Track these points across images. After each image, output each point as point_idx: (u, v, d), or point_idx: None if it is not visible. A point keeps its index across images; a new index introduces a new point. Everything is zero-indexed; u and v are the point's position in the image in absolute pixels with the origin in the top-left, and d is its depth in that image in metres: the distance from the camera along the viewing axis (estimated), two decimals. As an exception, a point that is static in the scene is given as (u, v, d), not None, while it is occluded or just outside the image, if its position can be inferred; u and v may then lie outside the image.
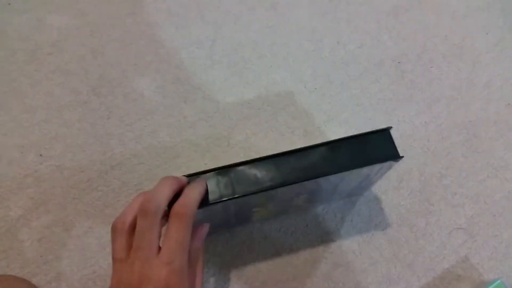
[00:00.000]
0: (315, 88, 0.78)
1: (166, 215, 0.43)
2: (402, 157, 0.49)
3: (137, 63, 0.77)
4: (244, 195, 0.46)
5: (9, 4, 0.81)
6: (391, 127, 0.51)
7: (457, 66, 0.81)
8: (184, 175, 0.46)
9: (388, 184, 0.71)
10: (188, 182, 0.46)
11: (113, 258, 0.42)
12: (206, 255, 0.64)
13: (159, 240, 0.41)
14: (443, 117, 0.76)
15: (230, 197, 0.46)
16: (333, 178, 0.49)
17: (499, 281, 0.63)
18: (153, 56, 0.78)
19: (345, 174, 0.49)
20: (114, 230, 0.43)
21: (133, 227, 0.42)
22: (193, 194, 0.43)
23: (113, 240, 0.43)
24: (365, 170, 0.50)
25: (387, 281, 0.65)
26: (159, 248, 0.41)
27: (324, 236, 0.67)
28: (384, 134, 0.50)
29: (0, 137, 0.70)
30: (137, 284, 0.39)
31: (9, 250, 0.63)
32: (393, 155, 0.49)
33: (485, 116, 0.77)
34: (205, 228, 0.47)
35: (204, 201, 0.45)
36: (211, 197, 0.46)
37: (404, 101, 0.77)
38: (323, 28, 0.83)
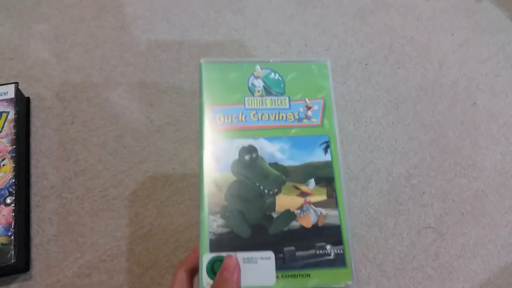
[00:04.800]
0: (284, 91, 0.77)
1: None
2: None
3: (102, 67, 0.76)
4: None
5: (-31, 8, 0.79)
6: None
7: (424, 67, 0.82)
8: None
9: (356, 184, 0.70)
10: None
11: None
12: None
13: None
14: (410, 117, 0.77)
15: None
16: None
17: None
18: (118, 60, 0.77)
19: None
20: None
21: None
22: (191, 251, 0.46)
23: None
24: None
25: (357, 281, 0.64)
26: None
27: (294, 239, 0.66)
28: None
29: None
30: None
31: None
32: None
33: (452, 116, 0.78)
34: (228, 260, 0.45)
35: None
36: None
37: (372, 102, 0.77)
38: (291, 31, 0.83)
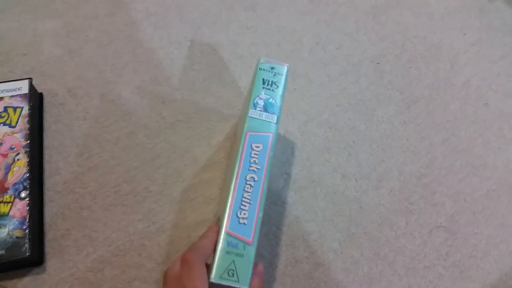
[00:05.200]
0: (295, 89, 0.77)
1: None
2: None
3: (114, 64, 0.76)
4: None
5: (-18, 4, 0.80)
6: None
7: (436, 66, 0.82)
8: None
9: (368, 183, 0.70)
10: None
11: None
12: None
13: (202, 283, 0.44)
14: (422, 117, 0.76)
15: None
16: None
17: None
18: (131, 57, 0.77)
19: None
20: (165, 277, 0.47)
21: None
22: (204, 242, 0.46)
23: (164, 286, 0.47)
24: None
25: (368, 280, 0.65)
26: None
27: (305, 236, 0.66)
28: None
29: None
30: None
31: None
32: None
33: (463, 116, 0.77)
34: (260, 266, 0.49)
35: None
36: None
37: (383, 101, 0.77)
38: (303, 29, 0.83)
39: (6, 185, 0.60)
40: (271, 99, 0.53)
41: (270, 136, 0.51)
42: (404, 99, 0.78)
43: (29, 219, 0.58)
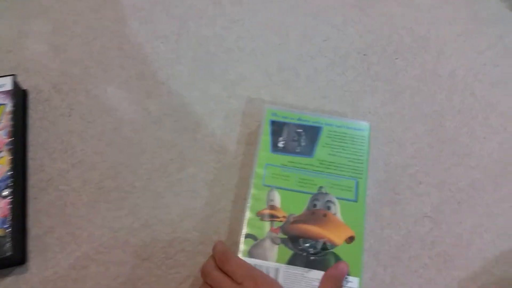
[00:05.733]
0: (282, 81, 0.77)
1: None
2: None
3: (100, 59, 0.76)
4: None
5: (-34, 1, 0.79)
6: None
7: (422, 57, 0.81)
8: None
9: (353, 175, 0.71)
10: None
11: None
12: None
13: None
14: (408, 107, 0.77)
15: None
16: None
17: None
18: (117, 52, 0.77)
19: None
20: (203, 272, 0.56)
21: None
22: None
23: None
24: None
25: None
26: None
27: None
28: None
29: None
30: None
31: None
32: None
33: (449, 106, 0.77)
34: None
35: None
36: None
37: (370, 92, 0.77)
38: (290, 22, 0.83)
39: (-12, 184, 0.61)
40: None
41: None
42: (391, 90, 0.78)
43: (11, 218, 0.58)
